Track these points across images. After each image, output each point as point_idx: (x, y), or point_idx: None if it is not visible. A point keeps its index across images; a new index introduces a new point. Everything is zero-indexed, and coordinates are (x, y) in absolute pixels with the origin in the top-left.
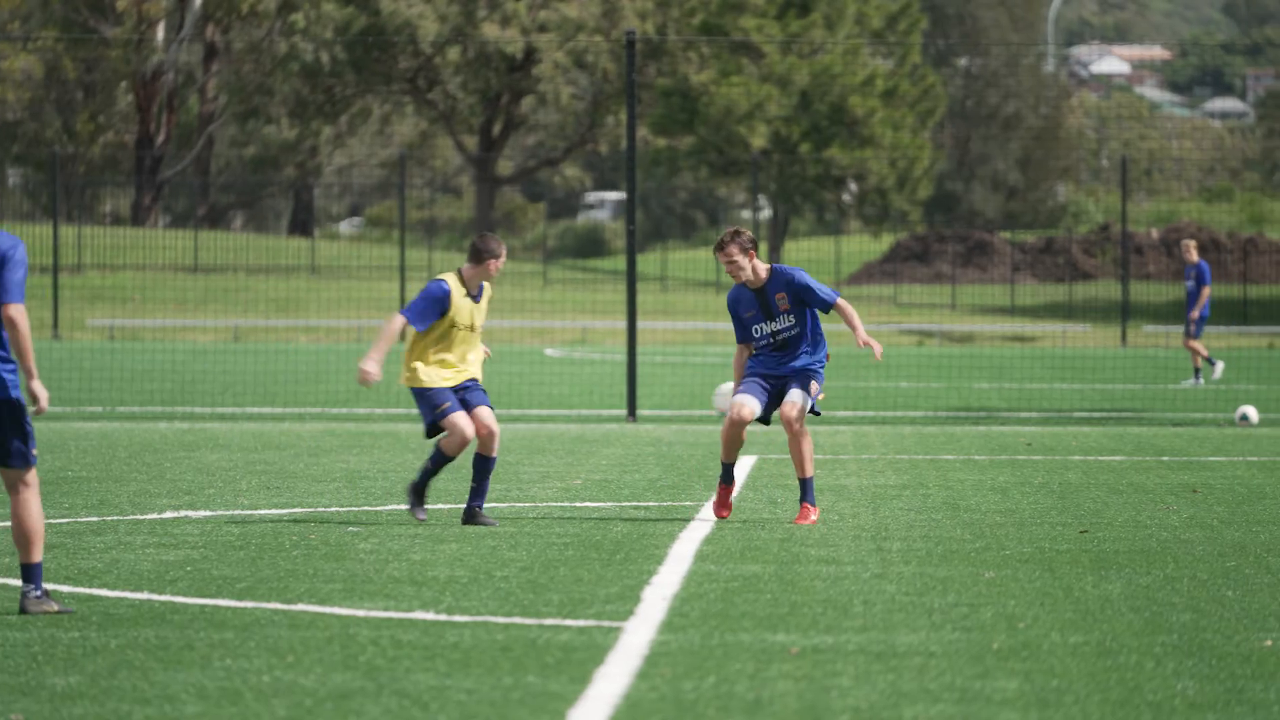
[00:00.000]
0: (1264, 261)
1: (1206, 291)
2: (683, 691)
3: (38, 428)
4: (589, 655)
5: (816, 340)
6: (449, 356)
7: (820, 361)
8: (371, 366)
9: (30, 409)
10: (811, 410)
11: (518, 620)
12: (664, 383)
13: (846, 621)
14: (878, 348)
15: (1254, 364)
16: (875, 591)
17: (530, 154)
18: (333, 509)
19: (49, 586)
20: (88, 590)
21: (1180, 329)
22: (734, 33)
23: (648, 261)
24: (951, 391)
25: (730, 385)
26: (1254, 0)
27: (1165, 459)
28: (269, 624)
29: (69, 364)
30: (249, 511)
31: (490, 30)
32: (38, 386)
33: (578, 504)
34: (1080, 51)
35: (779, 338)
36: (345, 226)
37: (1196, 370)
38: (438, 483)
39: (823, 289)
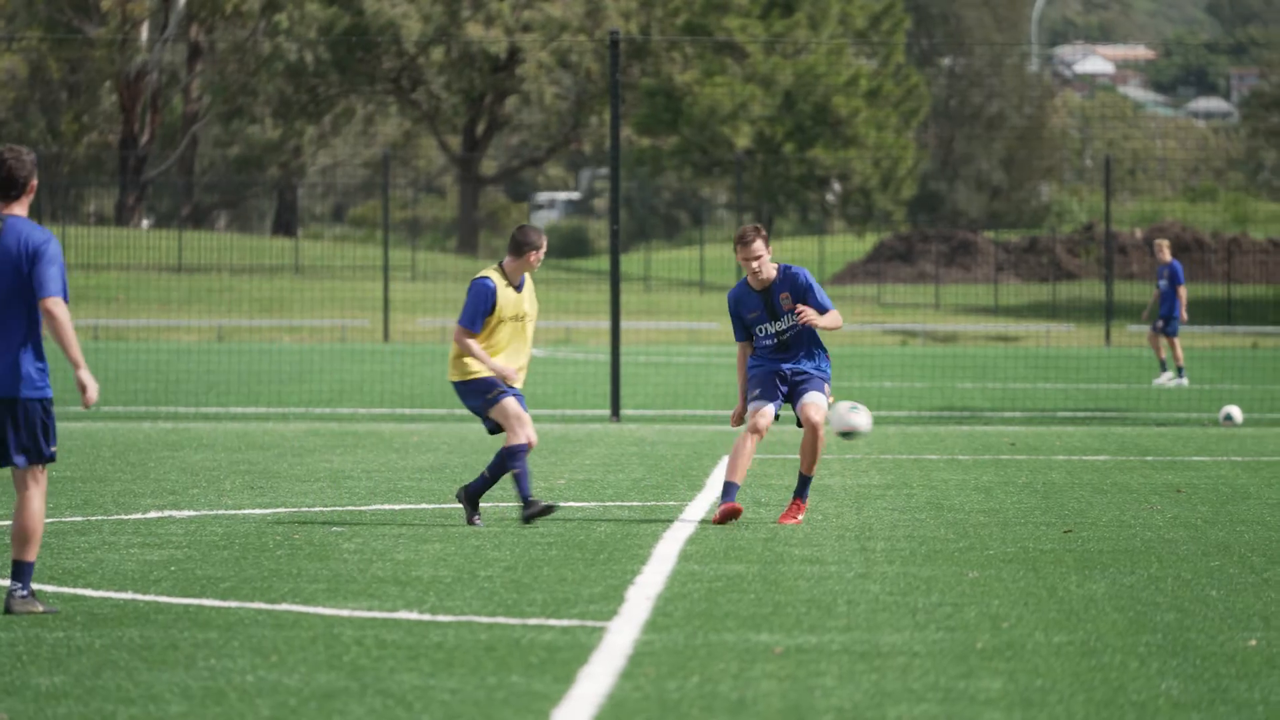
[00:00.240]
0: (1247, 261)
1: (1184, 291)
2: (667, 691)
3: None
4: (573, 655)
5: (815, 340)
6: (499, 348)
7: (827, 364)
8: (510, 372)
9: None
10: None
11: (502, 620)
12: (648, 383)
13: (830, 621)
14: (808, 316)
15: (1238, 364)
16: (859, 591)
17: (514, 154)
18: (317, 509)
19: (35, 586)
20: (72, 590)
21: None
22: (718, 33)
23: (631, 261)
24: (935, 391)
25: (844, 406)
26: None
27: (1149, 459)
28: (253, 624)
29: (53, 364)
30: (233, 511)
31: (474, 30)
32: (85, 376)
33: (561, 504)
34: (1064, 51)
35: (783, 338)
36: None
37: (1180, 369)
38: (421, 482)
39: (824, 297)
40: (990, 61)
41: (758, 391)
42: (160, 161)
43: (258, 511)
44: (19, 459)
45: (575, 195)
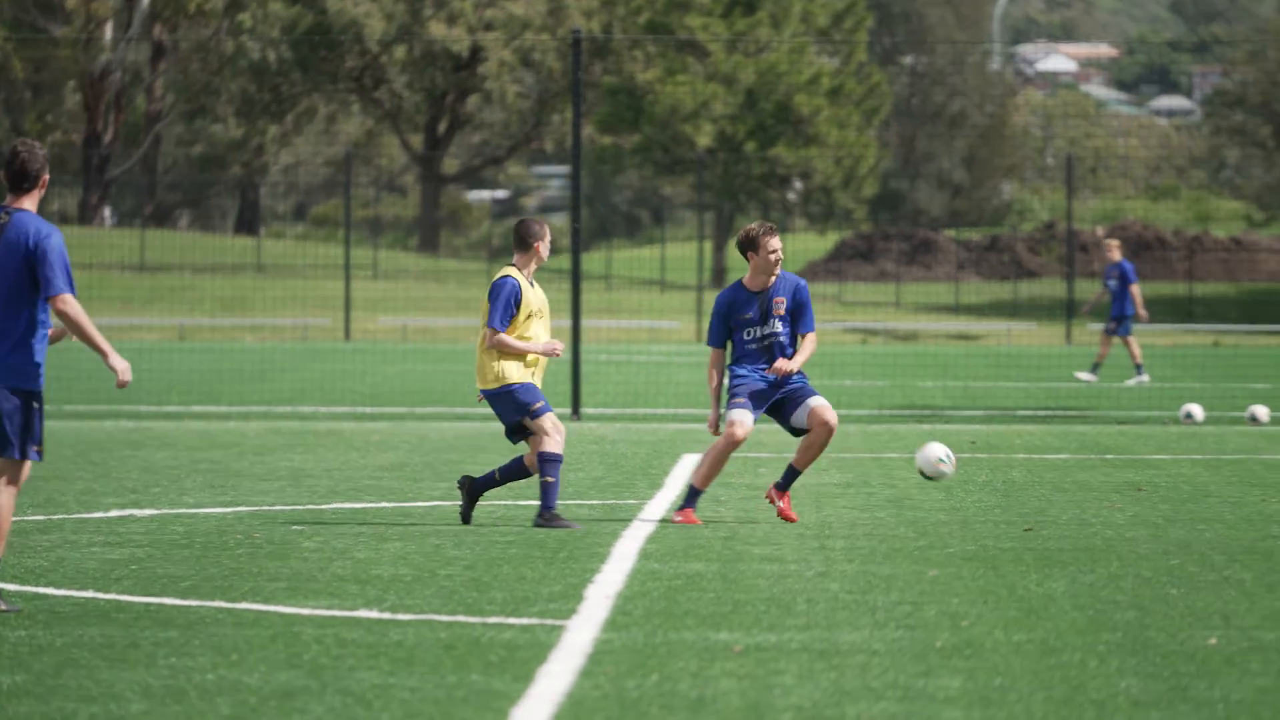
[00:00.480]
0: (1209, 259)
1: (1137, 290)
2: (626, 690)
3: None
4: (532, 653)
5: (793, 344)
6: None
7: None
8: (556, 346)
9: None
10: None
11: (461, 618)
12: (608, 381)
13: (790, 620)
14: (784, 369)
15: (1198, 361)
16: (818, 590)
17: (475, 152)
18: (277, 507)
19: None
20: (34, 589)
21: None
22: (679, 31)
23: (592, 260)
24: (896, 390)
25: (938, 451)
26: None
27: (1109, 457)
28: (214, 622)
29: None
30: (194, 510)
31: (436, 29)
32: (115, 361)
33: (521, 502)
34: (1026, 49)
35: (765, 342)
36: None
37: (1138, 365)
38: (381, 481)
39: (811, 315)
40: (952, 60)
41: (744, 400)
42: (123, 160)
43: (219, 510)
44: None
45: (501, 194)
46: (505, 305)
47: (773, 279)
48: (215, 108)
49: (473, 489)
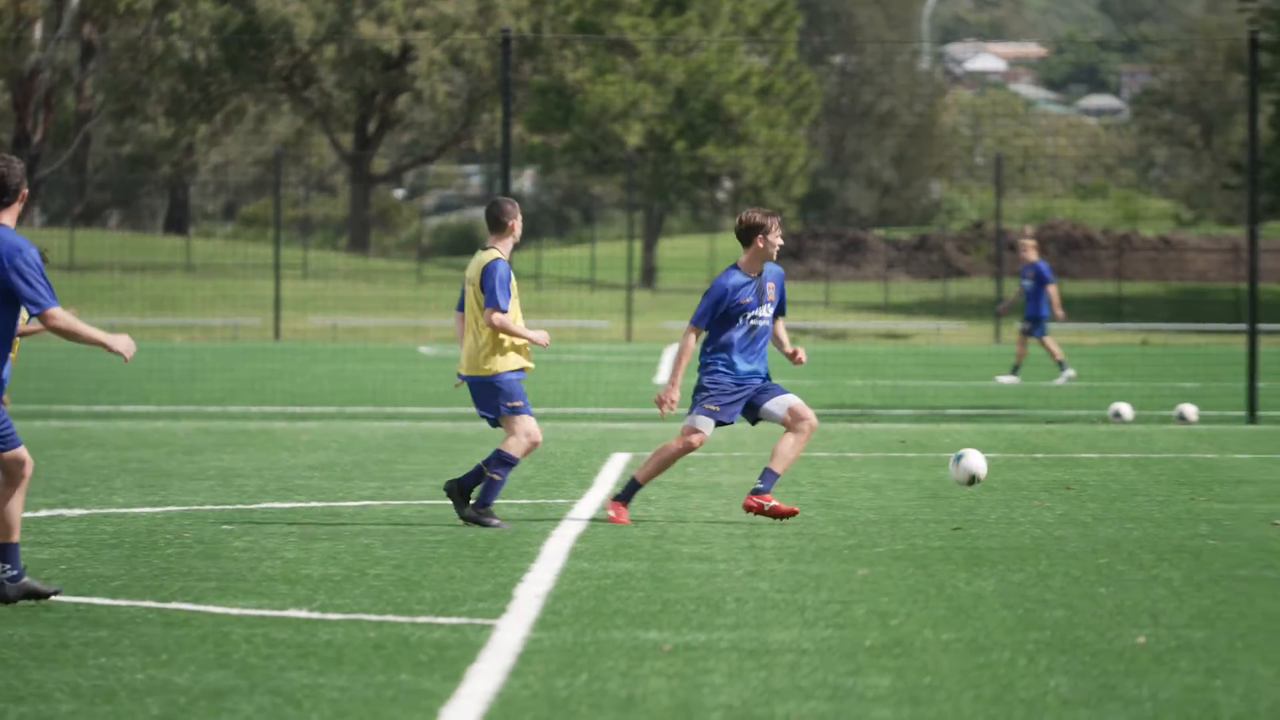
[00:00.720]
0: (1137, 258)
1: (1054, 290)
2: (555, 689)
3: None
4: (462, 653)
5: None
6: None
7: None
8: (546, 338)
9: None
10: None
11: (391, 618)
12: (539, 380)
13: (719, 619)
14: (803, 358)
15: (1127, 360)
16: (748, 589)
17: (405, 152)
18: (207, 507)
19: None
20: None
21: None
22: (609, 31)
23: (522, 259)
24: (825, 389)
25: (972, 459)
26: None
27: (1038, 456)
28: (143, 622)
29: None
30: (124, 510)
31: (366, 28)
32: (116, 345)
33: (451, 502)
34: (955, 49)
35: (756, 329)
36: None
37: (1061, 362)
38: (311, 480)
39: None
40: (881, 59)
41: (718, 408)
42: (53, 160)
43: (148, 510)
44: None
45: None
46: (504, 286)
47: (764, 265)
48: (145, 107)
49: (461, 489)
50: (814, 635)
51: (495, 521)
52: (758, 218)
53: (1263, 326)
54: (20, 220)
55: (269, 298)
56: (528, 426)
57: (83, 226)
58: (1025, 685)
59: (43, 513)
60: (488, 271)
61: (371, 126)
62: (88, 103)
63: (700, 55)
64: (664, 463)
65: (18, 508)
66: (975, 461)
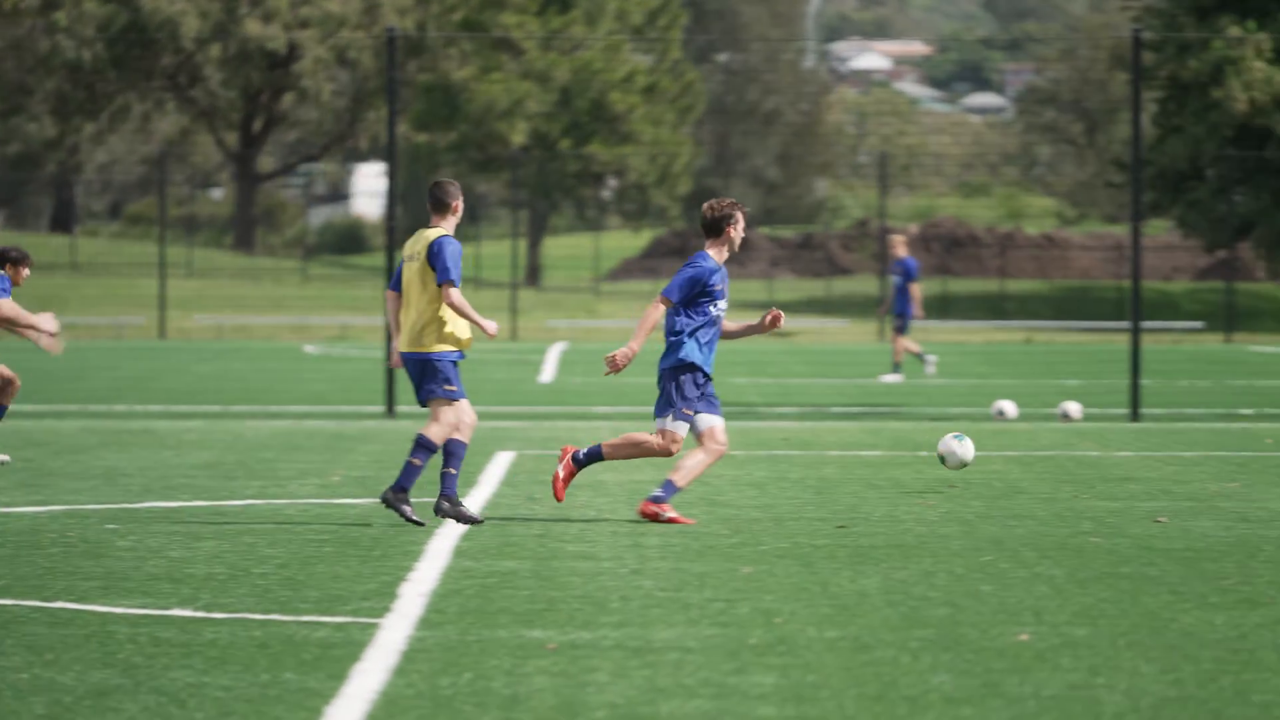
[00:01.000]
0: (1021, 256)
1: (917, 289)
2: (440, 688)
3: None
4: (346, 652)
5: None
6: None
7: None
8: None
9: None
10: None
11: (275, 617)
12: None
13: (603, 617)
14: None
15: (1011, 358)
16: (632, 587)
17: (291, 150)
18: (91, 506)
19: None
20: None
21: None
22: (494, 29)
23: None
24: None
25: (967, 447)
26: None
27: (922, 454)
28: (27, 621)
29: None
30: (7, 509)
31: (252, 27)
32: (39, 320)
33: (336, 501)
34: (840, 47)
35: (718, 320)
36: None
37: (896, 365)
38: (196, 479)
39: None
40: (766, 57)
41: (693, 412)
42: None
43: (32, 509)
44: None
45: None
46: (457, 262)
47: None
48: (30, 106)
49: (448, 493)
50: (698, 633)
51: (407, 510)
52: (727, 209)
53: (1146, 324)
54: None
55: (154, 296)
56: (457, 413)
57: None
58: (909, 683)
59: None
60: (440, 246)
61: (257, 125)
62: None
63: (585, 54)
64: (634, 455)
65: None
66: (968, 449)
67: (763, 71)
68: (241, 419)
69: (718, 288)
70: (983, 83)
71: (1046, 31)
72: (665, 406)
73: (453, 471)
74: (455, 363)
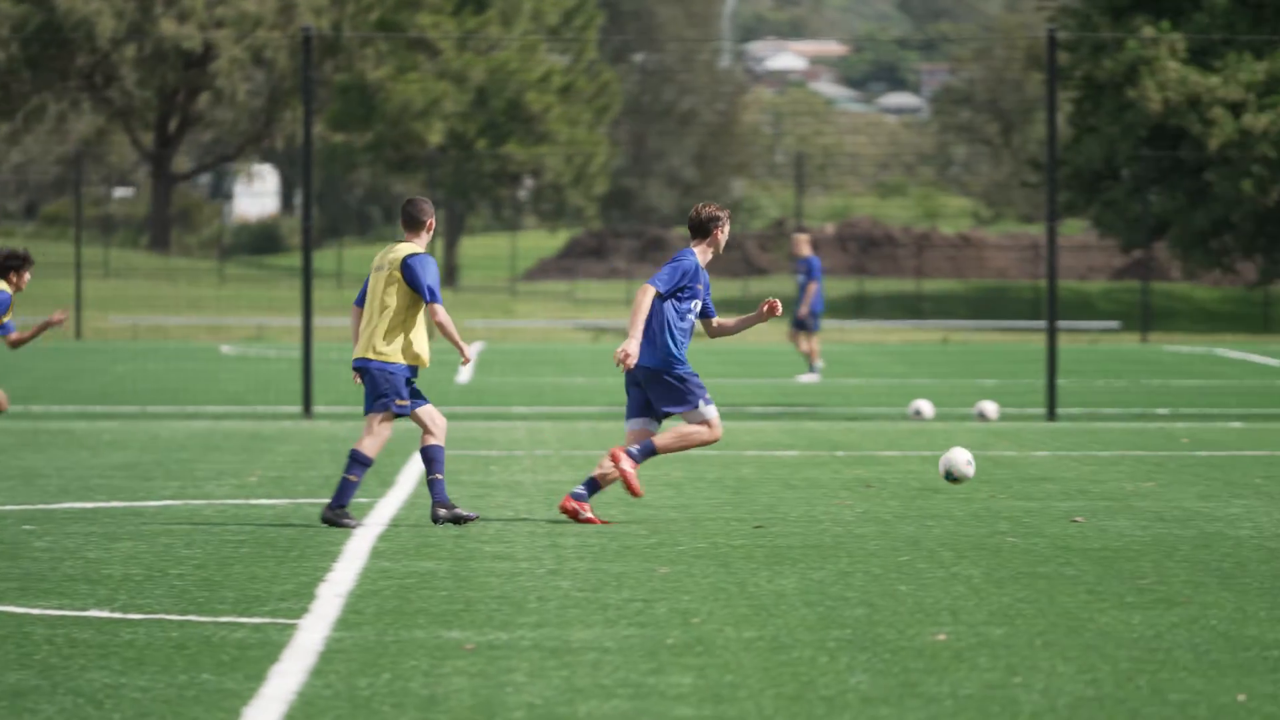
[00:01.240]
0: (937, 256)
1: (814, 287)
2: (357, 688)
3: None
4: (264, 653)
5: None
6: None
7: None
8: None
9: None
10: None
11: (193, 618)
12: (340, 380)
13: (521, 618)
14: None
15: (928, 358)
16: (550, 588)
17: (206, 150)
18: (8, 507)
19: None
20: None
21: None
22: (410, 29)
23: (324, 258)
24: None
25: (961, 454)
26: None
27: (839, 454)
28: None
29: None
30: None
31: (167, 26)
32: None
33: (253, 501)
34: (756, 47)
35: (692, 316)
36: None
37: (813, 366)
38: (112, 480)
39: None
40: (682, 58)
41: (708, 394)
42: None
43: None
44: None
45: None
46: (437, 279)
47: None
48: None
49: (440, 500)
50: (616, 634)
51: (350, 521)
52: (714, 213)
53: (1062, 324)
54: None
55: (70, 297)
56: (430, 417)
57: None
58: (826, 683)
59: None
60: (421, 263)
61: (173, 125)
62: None
63: (501, 54)
64: (687, 447)
65: None
66: (963, 462)
67: (679, 71)
68: (158, 420)
69: (698, 286)
70: (898, 83)
71: (962, 32)
72: (681, 398)
73: (439, 477)
74: (408, 379)
